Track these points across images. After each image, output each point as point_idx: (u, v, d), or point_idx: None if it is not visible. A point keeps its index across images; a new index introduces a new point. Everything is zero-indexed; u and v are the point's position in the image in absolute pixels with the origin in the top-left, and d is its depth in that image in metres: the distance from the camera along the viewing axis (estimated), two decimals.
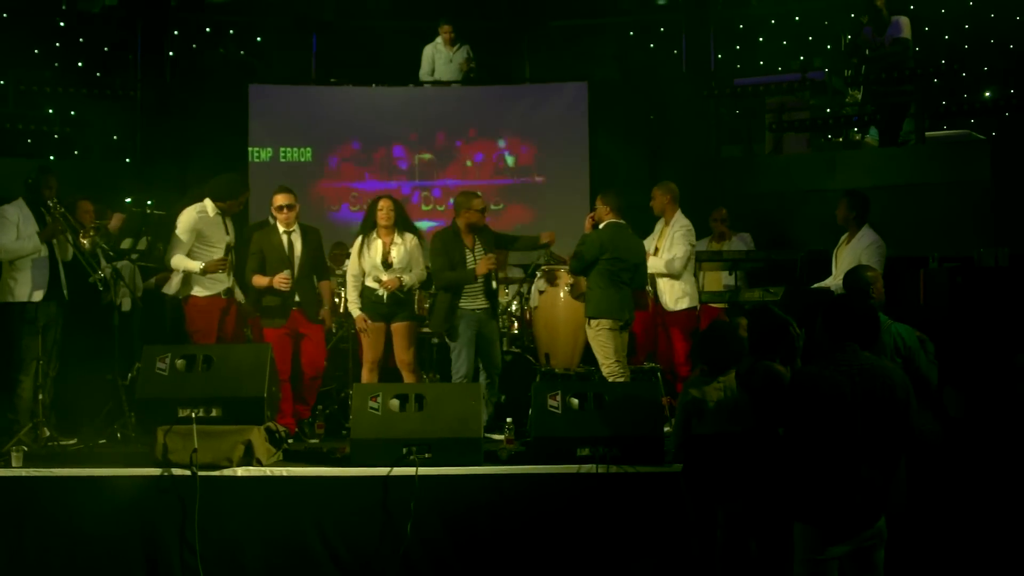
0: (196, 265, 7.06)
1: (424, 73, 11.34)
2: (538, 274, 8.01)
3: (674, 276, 7.67)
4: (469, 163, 11.06)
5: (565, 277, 7.84)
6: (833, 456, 4.26)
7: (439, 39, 11.25)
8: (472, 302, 7.23)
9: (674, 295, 7.71)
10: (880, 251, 6.87)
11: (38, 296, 7.08)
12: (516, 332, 8.38)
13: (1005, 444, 5.84)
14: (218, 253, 7.15)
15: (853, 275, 5.78)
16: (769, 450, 4.73)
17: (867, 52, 9.85)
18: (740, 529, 4.96)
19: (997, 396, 5.80)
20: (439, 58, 11.27)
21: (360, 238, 7.34)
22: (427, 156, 11.00)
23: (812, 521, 4.32)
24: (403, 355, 7.30)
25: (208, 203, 7.22)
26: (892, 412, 4.27)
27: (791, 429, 4.40)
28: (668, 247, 7.71)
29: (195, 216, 7.15)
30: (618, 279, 7.08)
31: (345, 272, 7.60)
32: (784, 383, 4.71)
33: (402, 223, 7.35)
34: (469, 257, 7.26)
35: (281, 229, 7.25)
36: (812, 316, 4.50)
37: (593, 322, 7.12)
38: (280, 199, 7.23)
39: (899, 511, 4.77)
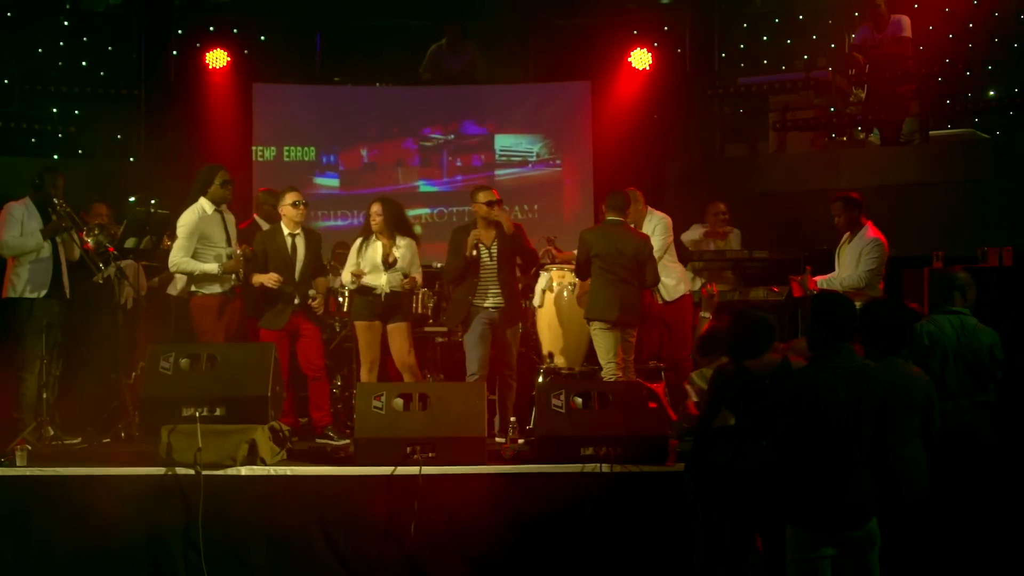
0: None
1: (425, 69, 11.30)
2: (541, 273, 8.00)
3: None
4: (472, 162, 11.05)
5: (570, 278, 7.84)
6: (824, 459, 4.29)
7: (445, 39, 11.23)
8: (484, 300, 7.22)
9: (669, 286, 7.75)
10: (881, 250, 6.88)
11: (38, 293, 7.11)
12: (520, 330, 8.36)
13: (1008, 444, 5.84)
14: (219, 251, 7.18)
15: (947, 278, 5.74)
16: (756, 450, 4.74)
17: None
18: (746, 527, 4.94)
19: (1001, 396, 5.79)
20: (443, 57, 11.26)
21: (359, 240, 7.34)
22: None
23: (800, 523, 4.34)
24: (402, 357, 7.24)
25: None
26: (888, 416, 4.33)
27: (785, 432, 4.41)
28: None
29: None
30: (614, 276, 7.05)
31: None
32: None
33: (398, 226, 7.32)
34: (484, 254, 7.19)
35: (286, 231, 7.25)
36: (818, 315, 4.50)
37: (589, 322, 7.13)
38: (294, 196, 7.25)
39: (922, 496, 4.80)
